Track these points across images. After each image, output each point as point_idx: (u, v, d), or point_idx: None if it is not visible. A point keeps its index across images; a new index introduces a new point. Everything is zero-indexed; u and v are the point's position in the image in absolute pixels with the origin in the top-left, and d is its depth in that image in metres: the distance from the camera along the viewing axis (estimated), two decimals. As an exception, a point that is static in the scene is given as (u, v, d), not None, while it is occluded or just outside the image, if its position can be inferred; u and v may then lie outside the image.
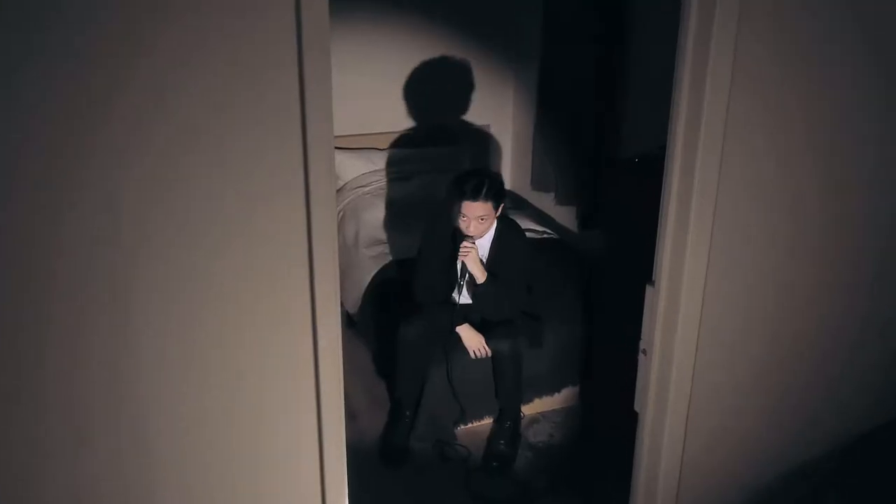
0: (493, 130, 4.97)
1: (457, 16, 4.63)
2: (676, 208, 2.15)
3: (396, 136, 4.72)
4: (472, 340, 3.25)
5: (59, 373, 1.65)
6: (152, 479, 1.81)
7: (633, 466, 2.50)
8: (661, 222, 2.21)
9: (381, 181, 4.47)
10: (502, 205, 3.22)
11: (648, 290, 2.30)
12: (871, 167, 2.31)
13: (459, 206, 3.12)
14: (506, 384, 3.30)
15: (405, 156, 4.62)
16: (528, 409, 3.50)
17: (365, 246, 4.06)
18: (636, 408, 2.43)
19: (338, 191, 4.41)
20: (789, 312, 2.39)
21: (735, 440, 2.49)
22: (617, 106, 4.03)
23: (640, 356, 2.37)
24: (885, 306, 2.52)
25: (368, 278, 3.82)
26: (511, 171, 5.05)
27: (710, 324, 2.26)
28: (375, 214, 4.24)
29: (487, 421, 3.45)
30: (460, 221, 3.15)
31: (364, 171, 4.53)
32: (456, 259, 3.24)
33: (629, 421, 2.47)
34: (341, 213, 4.31)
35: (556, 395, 3.58)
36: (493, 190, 3.13)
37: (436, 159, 4.57)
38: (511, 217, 3.50)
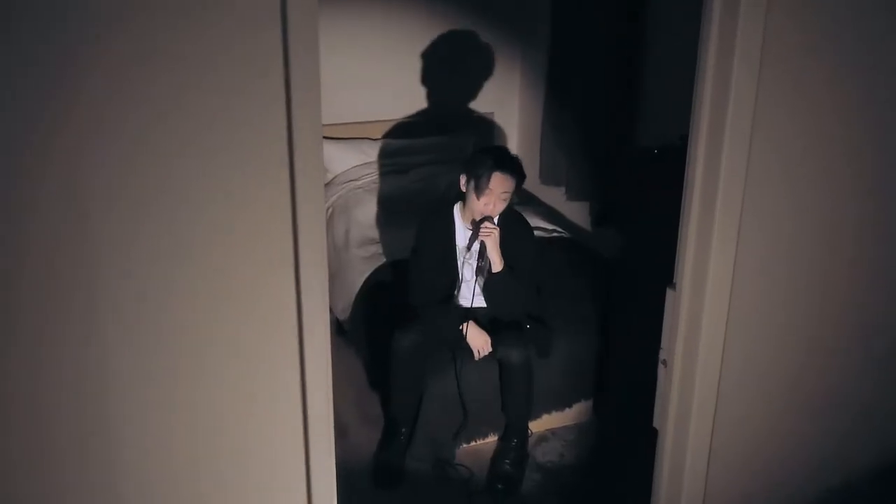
0: (498, 118, 4.97)
1: (457, -9, 4.64)
2: (700, 203, 2.15)
3: (391, 124, 4.72)
4: (478, 339, 3.26)
5: (22, 380, 1.64)
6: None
7: (652, 490, 2.49)
8: (682, 219, 2.20)
9: (373, 174, 4.48)
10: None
11: (669, 293, 2.30)
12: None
13: (486, 180, 3.12)
14: (514, 397, 3.30)
15: (401, 146, 4.62)
16: (536, 426, 3.50)
17: (356, 246, 4.06)
18: (655, 424, 2.43)
19: (326, 185, 4.41)
20: (826, 318, 2.39)
21: (765, 461, 2.49)
22: (634, 91, 4.04)
23: (660, 367, 2.37)
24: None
25: (360, 281, 3.82)
26: (517, 163, 5.05)
27: (737, 331, 2.26)
28: (368, 211, 4.24)
29: (492, 439, 3.45)
30: (482, 199, 3.14)
31: (355, 163, 4.54)
32: (455, 261, 3.24)
33: (647, 439, 2.47)
34: (330, 210, 4.31)
35: (567, 410, 3.58)
36: (521, 167, 3.22)
37: (434, 150, 4.57)
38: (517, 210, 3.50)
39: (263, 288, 1.76)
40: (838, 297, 2.38)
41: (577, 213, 4.51)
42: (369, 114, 4.67)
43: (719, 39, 2.00)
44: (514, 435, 3.34)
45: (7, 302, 1.59)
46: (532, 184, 4.83)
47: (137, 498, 1.82)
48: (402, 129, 4.73)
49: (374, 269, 3.85)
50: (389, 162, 4.54)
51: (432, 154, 4.55)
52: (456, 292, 3.32)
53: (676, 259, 2.25)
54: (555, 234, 4.18)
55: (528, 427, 3.40)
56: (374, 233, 4.15)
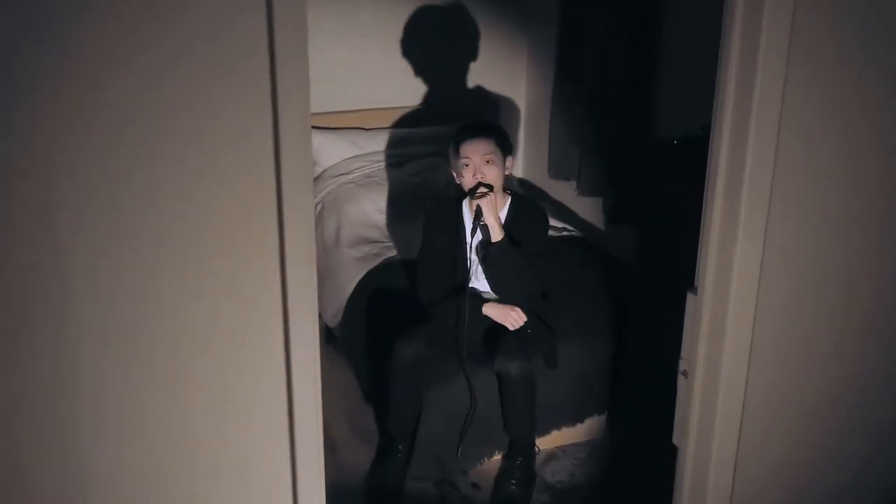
0: (502, 106, 4.97)
1: (458, -32, 4.64)
2: (723, 200, 2.15)
3: (386, 113, 4.72)
4: (504, 312, 3.26)
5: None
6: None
7: (672, 511, 2.50)
8: (704, 217, 2.21)
9: (367, 168, 4.47)
10: (511, 158, 3.32)
11: (689, 298, 2.30)
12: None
13: (458, 154, 3.21)
14: (515, 413, 3.29)
15: (397, 137, 4.62)
16: (544, 443, 3.50)
17: (348, 245, 4.06)
18: (675, 441, 2.43)
19: (315, 179, 4.41)
20: (860, 325, 2.39)
21: (793, 478, 2.49)
22: (651, 76, 4.04)
23: (680, 378, 2.37)
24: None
25: (352, 284, 3.82)
26: (523, 155, 5.06)
27: (764, 339, 2.26)
28: (360, 208, 4.24)
29: (498, 457, 3.45)
30: (466, 174, 3.20)
31: (347, 155, 4.53)
32: (465, 257, 3.26)
33: (666, 457, 2.47)
34: (319, 206, 4.31)
35: (579, 425, 3.58)
36: (493, 127, 3.31)
37: (433, 141, 4.57)
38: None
39: (246, 291, 1.77)
40: (874, 300, 2.38)
41: (590, 209, 4.51)
42: (362, 102, 4.66)
43: (744, 21, 2.00)
44: (519, 453, 3.34)
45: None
46: (540, 178, 4.84)
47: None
48: (398, 119, 4.73)
49: (367, 271, 3.84)
50: (384, 154, 4.54)
51: (431, 145, 4.54)
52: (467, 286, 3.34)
53: (697, 260, 2.26)
54: (565, 233, 4.18)
55: (534, 444, 3.39)
56: (368, 231, 4.15)
